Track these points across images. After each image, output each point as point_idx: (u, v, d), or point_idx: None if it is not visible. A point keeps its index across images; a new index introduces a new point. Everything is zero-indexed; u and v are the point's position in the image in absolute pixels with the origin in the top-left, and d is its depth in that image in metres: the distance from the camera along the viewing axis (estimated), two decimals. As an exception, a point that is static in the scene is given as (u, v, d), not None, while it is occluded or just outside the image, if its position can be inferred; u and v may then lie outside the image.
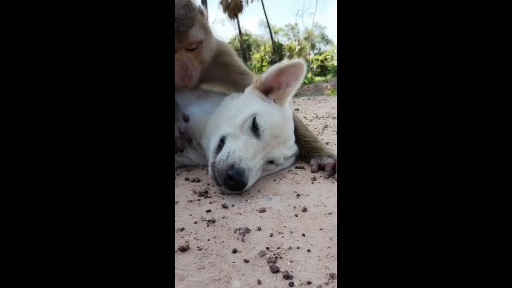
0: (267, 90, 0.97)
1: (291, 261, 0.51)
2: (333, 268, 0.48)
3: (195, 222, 0.64)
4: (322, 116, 2.03)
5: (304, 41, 17.34)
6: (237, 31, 14.91)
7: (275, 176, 0.92)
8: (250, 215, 0.67)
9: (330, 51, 16.17)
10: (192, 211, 0.69)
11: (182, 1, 0.86)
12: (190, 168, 1.00)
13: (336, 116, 1.93)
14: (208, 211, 0.69)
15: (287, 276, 0.47)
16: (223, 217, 0.66)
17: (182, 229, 0.61)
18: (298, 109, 2.32)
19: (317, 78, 10.54)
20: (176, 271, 0.48)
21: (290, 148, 0.94)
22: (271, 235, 0.59)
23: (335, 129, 1.59)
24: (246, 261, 0.51)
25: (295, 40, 18.35)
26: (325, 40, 19.88)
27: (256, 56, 16.76)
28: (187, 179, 0.89)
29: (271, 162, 0.89)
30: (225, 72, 1.04)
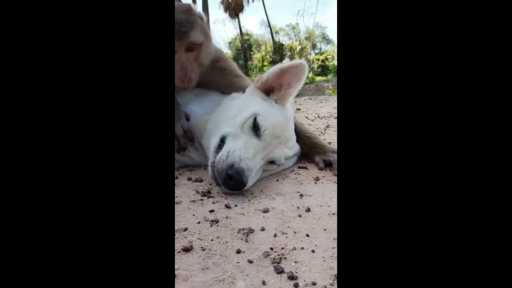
0: (268, 90, 0.97)
1: (295, 262, 0.50)
2: (338, 268, 0.48)
3: (198, 222, 0.63)
4: (324, 116, 2.03)
5: (305, 41, 17.34)
6: (238, 30, 14.91)
7: (278, 176, 0.91)
8: (254, 215, 0.67)
9: (331, 51, 16.15)
10: (195, 211, 0.69)
11: (183, 6, 0.89)
12: (192, 168, 1.00)
13: (338, 116, 1.92)
14: (211, 211, 0.69)
15: (291, 277, 0.46)
16: (226, 217, 0.66)
17: (186, 229, 0.60)
18: (299, 109, 2.32)
19: (318, 78, 10.54)
20: (180, 272, 0.48)
21: (291, 148, 0.94)
22: (275, 236, 0.58)
23: (337, 129, 1.59)
24: (250, 261, 0.50)
25: (296, 40, 18.35)
26: (326, 40, 19.87)
27: (257, 56, 16.76)
28: (189, 179, 0.89)
29: (272, 162, 0.88)
30: (221, 76, 1.07)
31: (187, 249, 0.53)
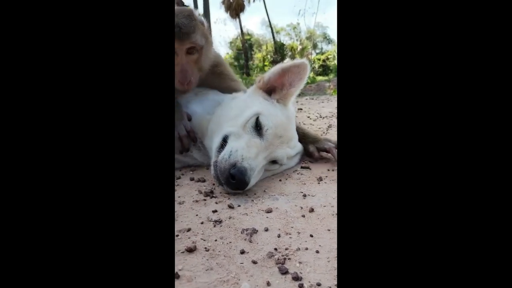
0: (270, 90, 0.97)
1: (299, 262, 0.50)
2: (343, 269, 0.48)
3: (202, 223, 0.63)
4: (326, 115, 2.02)
5: (306, 41, 17.32)
6: (239, 30, 14.91)
7: (281, 176, 0.91)
8: (257, 215, 0.67)
9: (332, 51, 16.13)
10: (198, 211, 0.69)
11: (185, 11, 0.91)
12: (195, 168, 0.99)
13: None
14: (214, 211, 0.68)
15: (296, 278, 0.46)
16: (230, 218, 0.65)
17: (189, 230, 0.60)
18: (301, 109, 2.32)
19: (319, 78, 10.53)
20: (184, 272, 0.48)
21: (293, 147, 0.94)
22: (279, 236, 0.58)
23: (339, 128, 1.58)
24: (254, 262, 0.50)
25: (297, 40, 18.33)
26: (327, 39, 19.84)
27: (258, 55, 16.76)
28: (192, 179, 0.88)
29: (274, 162, 0.88)
30: (220, 80, 1.11)
31: (190, 250, 0.53)
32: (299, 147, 0.99)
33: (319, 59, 15.18)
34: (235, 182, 0.73)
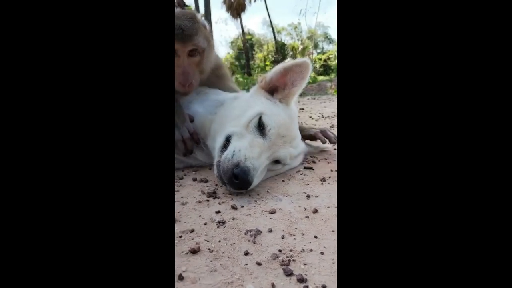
0: (272, 90, 0.97)
1: (304, 264, 0.50)
2: (348, 271, 0.47)
3: (205, 224, 0.63)
4: (328, 115, 2.02)
5: (307, 41, 17.30)
6: (240, 30, 14.91)
7: (284, 176, 0.91)
8: (260, 216, 0.66)
9: (333, 51, 16.10)
10: (201, 212, 0.69)
11: (187, 14, 0.92)
12: (197, 168, 0.99)
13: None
14: (218, 212, 0.68)
15: (301, 280, 0.46)
16: (233, 219, 0.65)
17: (192, 231, 0.60)
18: (303, 109, 2.31)
19: (320, 78, 10.51)
20: (188, 274, 0.47)
21: (296, 147, 0.94)
22: (283, 237, 0.58)
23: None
24: (258, 263, 0.50)
25: (298, 40, 18.32)
26: (328, 39, 19.83)
27: (259, 55, 16.76)
28: (194, 179, 0.88)
29: (277, 162, 0.88)
30: (218, 81, 1.14)
31: (194, 251, 0.53)
32: (302, 146, 0.99)
33: (320, 59, 15.16)
34: (238, 182, 0.73)
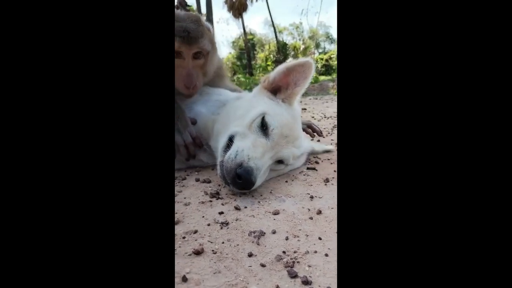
0: (275, 90, 0.96)
1: (309, 266, 0.49)
2: (353, 273, 0.47)
3: (208, 224, 0.63)
4: (330, 115, 2.01)
5: (309, 40, 17.28)
6: (242, 30, 14.91)
7: (287, 177, 0.90)
8: (264, 217, 0.66)
9: (335, 50, 16.06)
10: (204, 212, 0.68)
11: (192, 17, 0.93)
12: (200, 169, 0.99)
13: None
14: (221, 213, 0.68)
15: (306, 282, 0.45)
16: (237, 219, 0.65)
17: (196, 232, 0.60)
18: (305, 109, 2.30)
19: (322, 78, 10.49)
20: (191, 275, 0.47)
21: (299, 147, 0.93)
22: (287, 239, 0.57)
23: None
24: (262, 265, 0.49)
25: (299, 39, 18.30)
26: (330, 39, 19.80)
27: (260, 55, 16.76)
28: (197, 180, 0.88)
29: (280, 162, 0.88)
30: (219, 80, 1.17)
31: (198, 252, 0.52)
32: (305, 146, 0.98)
33: (321, 59, 15.13)
34: (242, 182, 0.72)
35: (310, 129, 1.22)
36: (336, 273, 0.48)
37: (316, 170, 0.96)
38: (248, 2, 13.54)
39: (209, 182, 0.87)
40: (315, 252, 0.53)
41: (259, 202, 0.74)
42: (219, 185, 0.84)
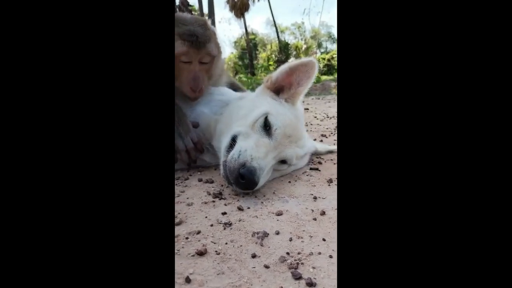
0: (278, 90, 0.96)
1: (313, 268, 0.49)
2: (358, 275, 0.47)
3: (211, 225, 0.62)
4: (333, 115, 2.00)
5: (311, 40, 17.25)
6: (244, 30, 14.90)
7: (290, 177, 0.90)
8: (267, 218, 0.66)
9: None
10: (207, 213, 0.68)
11: (199, 21, 0.95)
12: (203, 169, 0.99)
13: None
14: (224, 213, 0.67)
15: (310, 284, 0.45)
16: (240, 220, 0.64)
17: (199, 232, 0.59)
18: (307, 109, 2.30)
19: (324, 77, 10.46)
20: (195, 276, 0.47)
21: (302, 147, 0.93)
22: (291, 240, 0.57)
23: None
24: (266, 266, 0.49)
25: (301, 39, 18.27)
26: (332, 39, 19.75)
27: (262, 55, 16.75)
28: (200, 180, 0.88)
29: (283, 162, 0.87)
30: (224, 79, 1.18)
31: (201, 253, 0.52)
32: (308, 146, 0.98)
33: (323, 59, 15.10)
34: (245, 182, 0.72)
35: None
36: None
37: (319, 170, 0.95)
38: (250, 2, 13.53)
39: (212, 182, 0.87)
40: (319, 253, 0.52)
41: (262, 202, 0.73)
42: (222, 185, 0.84)
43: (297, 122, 0.90)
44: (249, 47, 14.85)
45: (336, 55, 15.10)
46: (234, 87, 1.20)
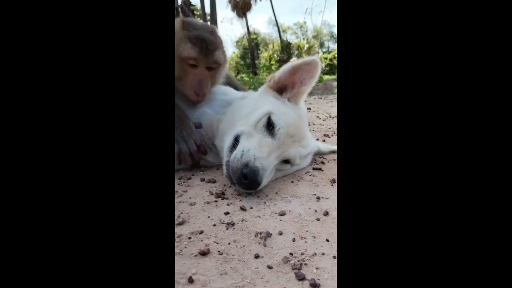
0: (281, 89, 0.96)
1: (317, 268, 0.48)
2: (362, 276, 0.46)
3: (214, 225, 0.62)
4: (335, 115, 1.99)
5: (313, 40, 17.22)
6: (246, 29, 14.90)
7: (292, 177, 0.90)
8: (270, 218, 0.65)
9: (339, 50, 15.95)
10: (210, 213, 0.68)
11: (208, 28, 0.97)
12: (205, 169, 0.98)
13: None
14: (227, 213, 0.67)
15: (314, 285, 0.44)
16: (242, 220, 0.64)
17: (201, 232, 0.59)
18: (310, 108, 2.29)
19: (326, 77, 10.43)
20: (197, 276, 0.46)
21: (305, 146, 0.92)
22: (294, 240, 0.56)
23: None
24: (269, 267, 0.49)
25: (303, 39, 18.25)
26: (334, 38, 19.70)
27: (264, 54, 16.74)
28: (202, 180, 0.87)
29: (286, 161, 0.87)
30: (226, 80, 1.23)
31: (204, 253, 0.52)
32: (311, 146, 0.97)
33: (325, 58, 15.07)
34: (248, 182, 0.72)
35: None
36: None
37: (322, 170, 0.95)
38: (252, 2, 13.53)
39: (214, 182, 0.86)
40: (323, 254, 0.52)
41: (265, 202, 0.73)
42: (224, 185, 0.83)
43: (300, 122, 0.90)
44: (251, 47, 14.84)
45: (338, 55, 15.04)
46: (231, 84, 1.20)
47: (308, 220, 0.64)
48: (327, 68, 14.45)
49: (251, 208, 0.70)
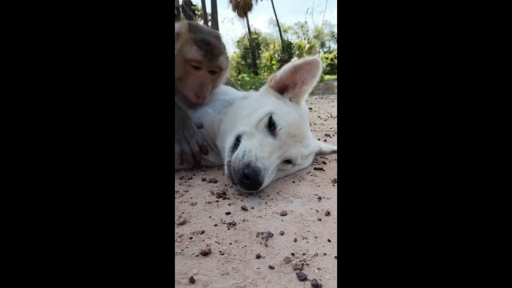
0: (282, 89, 0.95)
1: (318, 269, 0.48)
2: (364, 277, 0.46)
3: (215, 225, 0.62)
4: (337, 115, 1.99)
5: (314, 39, 17.20)
6: (247, 29, 14.90)
7: (294, 177, 0.89)
8: (271, 218, 0.65)
9: (340, 49, 15.92)
10: (211, 213, 0.68)
11: (213, 33, 0.98)
12: (206, 169, 0.98)
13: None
14: (228, 213, 0.67)
15: (316, 285, 0.44)
16: (244, 220, 0.64)
17: (203, 232, 0.59)
18: (311, 108, 2.29)
19: (327, 77, 10.42)
20: (199, 276, 0.46)
21: (307, 146, 0.92)
22: (295, 240, 0.56)
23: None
24: (271, 267, 0.49)
25: (304, 39, 18.23)
26: (335, 38, 19.67)
27: (265, 54, 16.73)
28: (204, 180, 0.87)
29: (288, 161, 0.87)
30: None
31: (205, 253, 0.52)
32: (313, 146, 0.97)
33: (326, 58, 15.05)
34: (249, 182, 0.72)
35: None
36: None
37: (324, 170, 0.94)
38: (253, 1, 13.52)
39: (216, 182, 0.86)
40: (325, 254, 0.52)
41: (266, 202, 0.73)
42: (226, 185, 0.83)
43: (301, 121, 0.89)
44: (252, 47, 14.84)
45: (339, 55, 15.02)
46: (229, 85, 1.21)
47: (310, 220, 0.64)
48: (328, 68, 14.42)
49: (253, 208, 0.70)
